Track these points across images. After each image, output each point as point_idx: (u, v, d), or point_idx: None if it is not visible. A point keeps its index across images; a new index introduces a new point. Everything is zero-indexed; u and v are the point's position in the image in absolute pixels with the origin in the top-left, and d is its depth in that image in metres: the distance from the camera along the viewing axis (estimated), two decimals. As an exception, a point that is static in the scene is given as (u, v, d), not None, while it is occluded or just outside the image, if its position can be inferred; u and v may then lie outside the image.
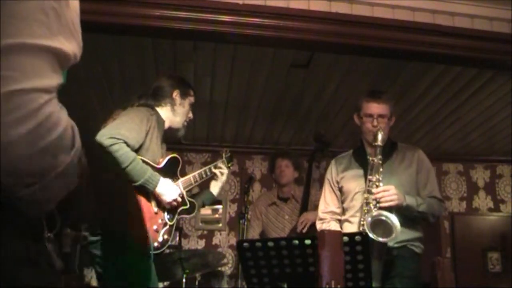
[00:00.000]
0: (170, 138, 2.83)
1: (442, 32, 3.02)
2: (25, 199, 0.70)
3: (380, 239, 2.48)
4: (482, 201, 6.11)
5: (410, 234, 2.74)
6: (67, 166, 0.72)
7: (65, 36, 0.71)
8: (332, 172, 3.01)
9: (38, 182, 0.69)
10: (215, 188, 2.93)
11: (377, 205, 2.61)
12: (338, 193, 2.97)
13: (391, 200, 2.60)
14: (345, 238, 1.85)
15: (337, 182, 2.96)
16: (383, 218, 2.55)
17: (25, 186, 0.69)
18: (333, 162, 3.06)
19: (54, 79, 0.70)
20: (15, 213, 0.70)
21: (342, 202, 2.94)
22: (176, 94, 2.76)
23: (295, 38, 2.94)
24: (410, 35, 3.00)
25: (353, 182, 2.87)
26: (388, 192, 2.62)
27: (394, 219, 2.53)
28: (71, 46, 0.72)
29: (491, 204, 6.11)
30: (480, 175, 6.19)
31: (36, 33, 0.67)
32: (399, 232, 2.50)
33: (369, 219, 2.54)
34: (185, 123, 2.83)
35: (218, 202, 5.64)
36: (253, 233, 4.04)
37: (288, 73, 4.02)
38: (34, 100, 0.66)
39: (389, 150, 2.88)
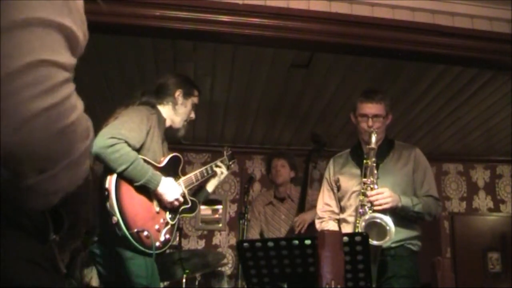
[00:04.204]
0: (170, 138, 2.82)
1: (442, 32, 3.02)
2: (33, 190, 0.67)
3: (374, 242, 2.49)
4: (482, 201, 6.12)
5: (407, 233, 2.74)
6: (80, 156, 0.70)
7: (72, 19, 0.70)
8: (330, 171, 3.02)
9: (50, 168, 0.67)
10: (211, 186, 2.94)
11: (372, 207, 2.62)
12: (336, 192, 2.97)
13: (385, 203, 2.61)
14: (345, 238, 1.85)
15: (335, 181, 2.97)
16: (378, 220, 2.55)
17: (37, 171, 0.66)
18: (331, 161, 3.07)
19: (70, 57, 0.69)
20: (21, 213, 0.70)
21: (339, 200, 2.95)
22: (178, 94, 2.75)
23: (295, 38, 2.94)
24: (410, 35, 3.00)
25: (350, 181, 2.88)
26: (382, 194, 2.62)
27: (388, 221, 2.53)
28: (77, 28, 0.71)
29: (491, 204, 6.11)
30: (480, 175, 6.20)
31: (48, 10, 0.66)
32: (393, 235, 2.51)
33: (363, 222, 2.55)
34: (185, 123, 2.82)
35: (218, 202, 5.64)
36: (253, 233, 4.04)
37: (288, 73, 4.02)
38: (55, 76, 0.65)
39: (385, 149, 2.89)
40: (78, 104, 0.70)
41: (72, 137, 0.68)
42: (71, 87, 0.68)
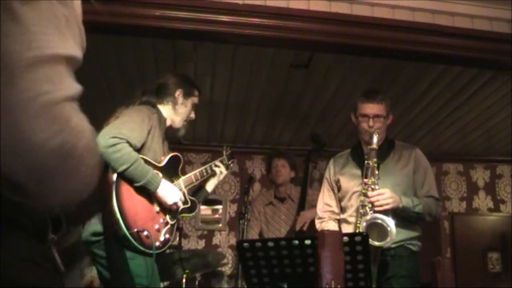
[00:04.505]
0: (170, 138, 2.82)
1: (442, 32, 3.02)
2: (36, 198, 0.69)
3: (375, 243, 2.49)
4: (482, 201, 6.11)
5: (407, 233, 2.74)
6: (92, 169, 0.72)
7: (74, 40, 0.71)
8: (330, 172, 3.02)
9: (64, 187, 0.69)
10: (211, 185, 2.94)
11: (373, 208, 2.62)
12: (336, 192, 2.97)
13: (386, 204, 2.61)
14: (345, 238, 1.85)
15: (335, 182, 2.97)
16: (379, 221, 2.55)
17: (51, 191, 0.68)
18: (331, 161, 3.07)
19: (75, 86, 0.70)
20: (21, 213, 0.70)
21: (340, 201, 2.95)
22: (178, 94, 2.75)
23: (295, 38, 2.94)
24: (410, 35, 3.00)
25: (351, 181, 2.88)
26: (383, 195, 2.62)
27: (389, 222, 2.53)
28: (78, 50, 0.72)
29: (491, 204, 6.11)
30: (480, 175, 6.19)
31: (54, 43, 0.67)
32: (394, 236, 2.51)
33: (364, 223, 2.55)
34: (185, 123, 2.82)
35: (218, 202, 5.64)
36: (253, 233, 4.04)
37: (288, 73, 4.02)
38: (65, 110, 0.66)
39: (386, 149, 2.89)
40: (85, 123, 0.71)
41: (84, 157, 0.70)
42: (78, 114, 0.70)
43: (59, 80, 0.66)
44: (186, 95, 2.77)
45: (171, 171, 2.66)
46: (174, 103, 2.75)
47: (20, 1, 0.63)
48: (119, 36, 3.32)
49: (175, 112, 2.75)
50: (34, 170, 0.65)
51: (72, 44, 0.70)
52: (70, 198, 0.71)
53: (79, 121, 0.69)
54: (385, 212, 2.60)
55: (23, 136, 0.62)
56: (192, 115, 2.83)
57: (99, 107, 4.37)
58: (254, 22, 2.86)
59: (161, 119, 2.69)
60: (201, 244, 5.56)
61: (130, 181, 2.40)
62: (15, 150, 0.63)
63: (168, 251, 2.80)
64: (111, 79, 4.11)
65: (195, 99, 2.83)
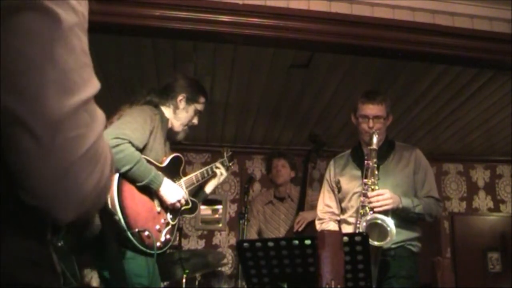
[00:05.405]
0: (169, 139, 2.82)
1: (442, 32, 3.02)
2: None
3: (375, 243, 2.49)
4: (482, 201, 6.11)
5: (407, 234, 2.75)
6: (108, 180, 0.75)
7: (91, 65, 0.72)
8: (331, 173, 3.02)
9: (94, 206, 0.74)
10: (210, 187, 2.94)
11: (373, 208, 2.62)
12: (336, 193, 2.97)
13: (385, 205, 2.61)
14: (345, 238, 1.85)
15: (336, 183, 2.97)
16: (379, 221, 2.55)
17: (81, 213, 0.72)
18: (331, 162, 3.07)
19: (102, 115, 0.73)
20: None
21: (340, 202, 2.95)
22: (181, 99, 2.73)
23: (295, 38, 2.94)
24: (410, 35, 3.00)
25: (351, 182, 2.88)
26: (383, 196, 2.62)
27: (389, 222, 2.53)
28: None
29: (491, 204, 6.11)
30: (480, 175, 6.19)
31: (86, 86, 0.68)
32: (394, 236, 2.51)
33: (364, 223, 2.55)
34: (186, 128, 2.80)
35: (218, 202, 5.64)
36: (252, 232, 4.05)
37: (288, 73, 4.02)
38: (100, 147, 0.69)
39: (386, 150, 2.89)
40: (104, 144, 0.73)
41: (107, 182, 0.74)
42: (100, 140, 0.71)
43: (93, 118, 0.69)
44: (189, 101, 2.75)
45: (173, 172, 2.66)
46: (175, 107, 2.73)
47: (57, 44, 0.64)
48: (119, 36, 3.32)
49: (175, 116, 2.74)
50: (76, 203, 0.69)
51: (94, 74, 0.72)
52: (92, 211, 0.76)
53: (103, 147, 0.72)
54: (385, 213, 2.60)
55: (66, 180, 0.66)
56: (195, 121, 2.81)
57: (98, 107, 4.38)
58: (254, 22, 2.86)
59: (164, 119, 2.69)
60: (201, 244, 5.55)
61: (133, 181, 2.40)
62: (60, 190, 0.66)
63: (168, 251, 2.80)
64: (111, 79, 4.11)
65: (198, 106, 2.79)
